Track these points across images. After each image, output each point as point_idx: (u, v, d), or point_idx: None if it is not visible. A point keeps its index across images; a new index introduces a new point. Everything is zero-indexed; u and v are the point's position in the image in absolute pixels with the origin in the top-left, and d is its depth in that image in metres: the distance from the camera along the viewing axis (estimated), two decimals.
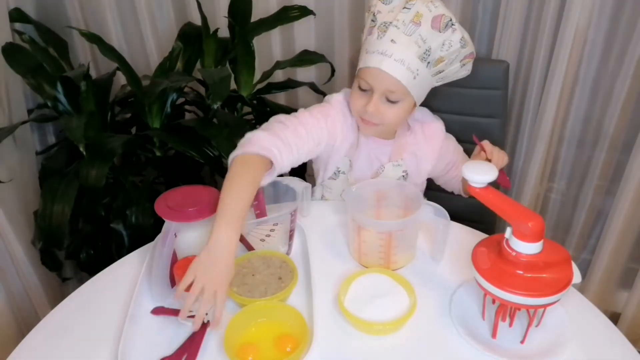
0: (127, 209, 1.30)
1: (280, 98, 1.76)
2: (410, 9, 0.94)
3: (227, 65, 1.56)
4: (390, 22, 0.94)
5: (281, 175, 1.00)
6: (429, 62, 0.96)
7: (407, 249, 0.98)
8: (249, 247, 0.97)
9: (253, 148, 0.91)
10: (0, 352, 0.97)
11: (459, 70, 1.03)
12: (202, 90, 1.64)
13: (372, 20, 0.98)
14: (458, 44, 0.96)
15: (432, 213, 0.92)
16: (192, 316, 0.85)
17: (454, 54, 0.98)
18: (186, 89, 1.59)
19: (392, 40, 0.94)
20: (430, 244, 1.00)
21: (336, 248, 1.03)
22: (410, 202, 0.98)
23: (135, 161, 1.63)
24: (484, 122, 1.34)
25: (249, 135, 0.95)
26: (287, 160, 0.96)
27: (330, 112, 1.07)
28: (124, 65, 1.39)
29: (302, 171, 1.65)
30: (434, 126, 1.14)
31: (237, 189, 0.86)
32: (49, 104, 1.41)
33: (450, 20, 0.95)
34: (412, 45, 0.94)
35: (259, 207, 1.01)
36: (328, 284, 0.92)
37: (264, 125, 1.00)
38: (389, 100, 0.99)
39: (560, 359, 0.77)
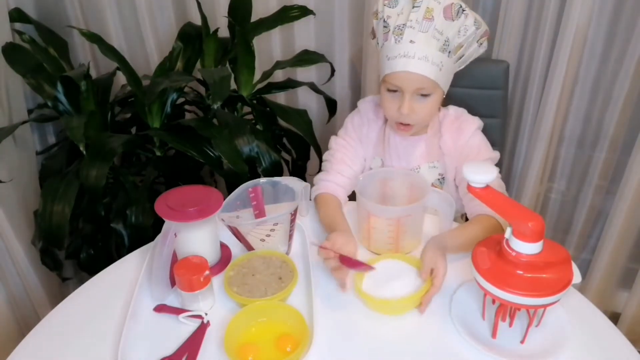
0: (127, 209, 1.30)
1: (280, 98, 1.76)
2: (419, 6, 0.95)
3: (227, 65, 1.56)
4: (404, 24, 0.96)
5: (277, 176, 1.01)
6: (449, 52, 0.97)
7: (415, 234, 1.01)
8: (249, 247, 0.97)
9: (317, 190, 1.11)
10: (0, 352, 0.97)
11: (477, 49, 1.03)
12: (202, 90, 1.64)
13: (385, 27, 0.99)
14: (472, 26, 0.97)
15: (437, 199, 0.97)
16: (193, 316, 0.85)
17: (470, 37, 0.99)
18: (186, 89, 1.59)
19: (410, 41, 0.95)
20: (437, 228, 1.03)
21: None
22: (415, 190, 1.03)
23: (135, 161, 1.63)
24: (484, 122, 1.34)
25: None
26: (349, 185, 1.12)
27: (355, 120, 1.16)
28: (124, 65, 1.39)
29: (302, 171, 1.65)
30: (468, 120, 1.10)
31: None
32: (49, 104, 1.41)
33: (460, 6, 0.96)
34: (431, 40, 0.95)
35: (258, 207, 1.02)
36: (328, 284, 0.92)
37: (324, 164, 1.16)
38: (421, 95, 1.00)
39: (560, 359, 0.77)
